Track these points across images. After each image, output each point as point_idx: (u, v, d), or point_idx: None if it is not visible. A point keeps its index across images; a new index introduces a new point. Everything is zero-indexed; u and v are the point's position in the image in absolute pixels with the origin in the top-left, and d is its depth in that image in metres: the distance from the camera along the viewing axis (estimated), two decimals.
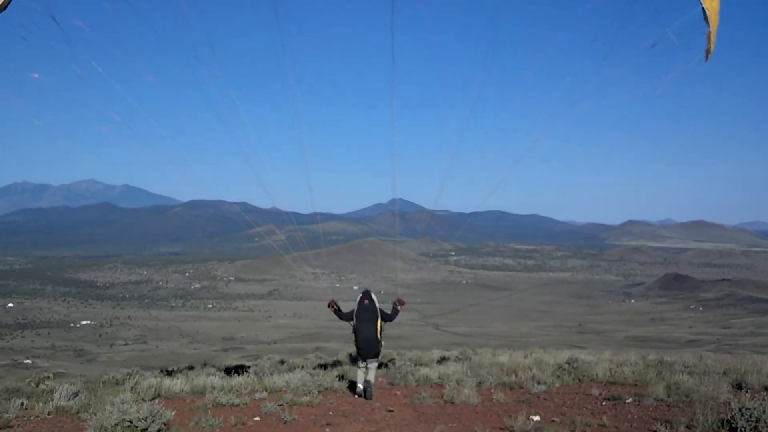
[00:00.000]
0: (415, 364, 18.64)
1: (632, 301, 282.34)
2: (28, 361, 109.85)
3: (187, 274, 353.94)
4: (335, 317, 14.24)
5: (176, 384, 14.20)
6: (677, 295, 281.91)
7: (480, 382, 14.32)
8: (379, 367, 15.32)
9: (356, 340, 13.35)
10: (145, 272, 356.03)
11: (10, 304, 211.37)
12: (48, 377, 17.10)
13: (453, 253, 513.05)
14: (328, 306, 14.13)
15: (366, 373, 13.39)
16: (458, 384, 14.06)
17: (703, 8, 11.31)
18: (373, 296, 13.59)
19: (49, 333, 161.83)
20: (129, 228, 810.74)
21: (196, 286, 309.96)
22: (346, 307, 14.15)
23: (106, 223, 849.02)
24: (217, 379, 14.93)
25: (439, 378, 14.93)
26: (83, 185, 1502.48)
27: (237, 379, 15.12)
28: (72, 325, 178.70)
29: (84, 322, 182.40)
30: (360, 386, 13.32)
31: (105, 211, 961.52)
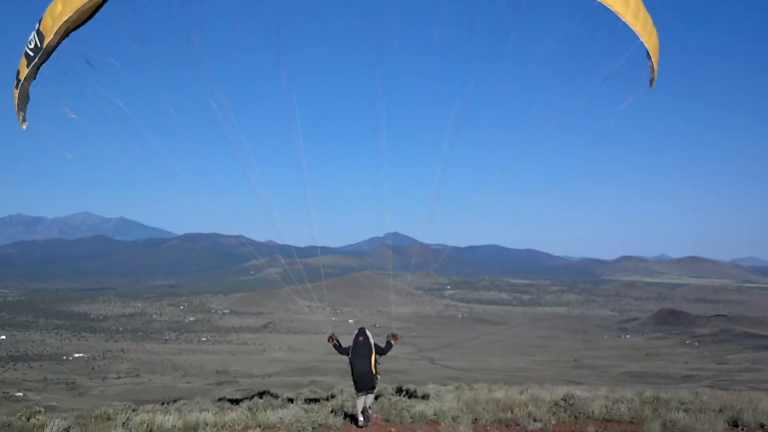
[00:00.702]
0: (410, 396, 18.58)
1: (628, 336, 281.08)
2: (20, 394, 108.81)
3: (181, 307, 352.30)
4: (332, 350, 15.25)
5: (169, 420, 14.11)
6: (672, 330, 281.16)
7: (476, 419, 14.25)
8: (376, 398, 16.19)
9: (353, 374, 14.41)
10: (139, 305, 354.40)
11: (3, 337, 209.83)
12: (39, 411, 16.94)
13: (449, 287, 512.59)
14: (328, 340, 15.12)
15: (364, 403, 14.32)
16: (454, 421, 14.00)
17: (645, 46, 13.51)
18: (368, 333, 14.66)
19: (41, 366, 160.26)
20: (123, 261, 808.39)
21: (191, 319, 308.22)
22: (344, 340, 15.05)
23: (100, 256, 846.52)
24: (210, 415, 14.82)
25: (435, 415, 14.86)
26: (78, 218, 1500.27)
27: (230, 415, 15.03)
28: (64, 357, 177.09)
29: (77, 355, 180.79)
30: (360, 417, 14.15)
31: (100, 243, 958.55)
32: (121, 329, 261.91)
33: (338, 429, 14.02)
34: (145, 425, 13.65)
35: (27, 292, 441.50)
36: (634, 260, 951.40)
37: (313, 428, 13.72)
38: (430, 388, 22.44)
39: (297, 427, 13.62)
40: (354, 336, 14.65)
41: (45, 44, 12.23)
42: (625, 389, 20.11)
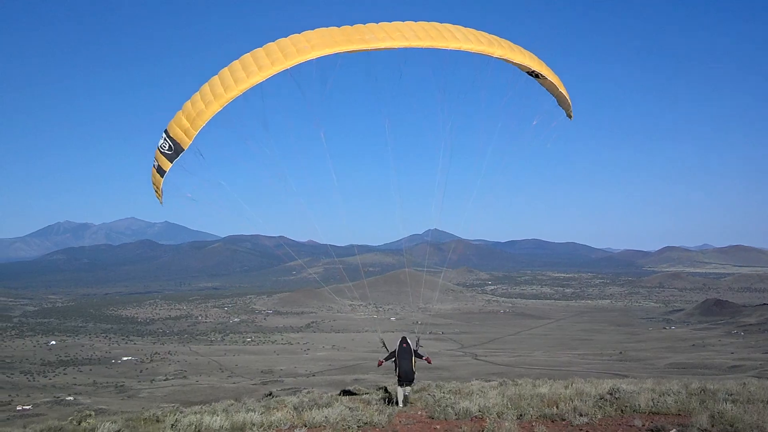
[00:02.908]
0: (455, 393, 18.63)
1: (673, 327, 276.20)
2: (70, 398, 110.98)
3: (226, 308, 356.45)
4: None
5: (216, 420, 14.30)
6: (718, 320, 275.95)
7: (521, 415, 14.18)
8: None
9: (398, 372, 18.17)
10: (184, 307, 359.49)
11: (53, 342, 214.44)
12: (89, 414, 17.31)
13: (490, 283, 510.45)
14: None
15: (405, 392, 18.20)
16: (499, 417, 13.94)
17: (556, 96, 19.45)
18: (409, 340, 18.69)
19: (90, 369, 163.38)
20: (169, 264, 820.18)
21: (235, 320, 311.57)
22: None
23: (146, 260, 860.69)
24: (256, 415, 15.00)
25: (479, 411, 14.82)
26: (124, 223, 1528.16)
27: (276, 415, 15.18)
28: (113, 361, 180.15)
29: (125, 358, 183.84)
30: (401, 403, 17.86)
31: (145, 248, 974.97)
32: (167, 332, 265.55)
33: (383, 427, 14.07)
34: (194, 426, 13.86)
35: (76, 297, 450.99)
36: (678, 251, 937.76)
37: (358, 427, 13.80)
38: (474, 385, 22.40)
39: (342, 425, 13.71)
40: (398, 343, 18.58)
41: (181, 149, 16.06)
42: (671, 381, 19.81)
